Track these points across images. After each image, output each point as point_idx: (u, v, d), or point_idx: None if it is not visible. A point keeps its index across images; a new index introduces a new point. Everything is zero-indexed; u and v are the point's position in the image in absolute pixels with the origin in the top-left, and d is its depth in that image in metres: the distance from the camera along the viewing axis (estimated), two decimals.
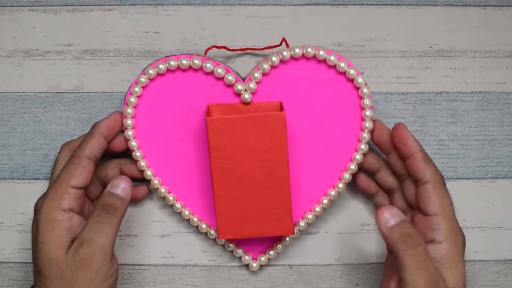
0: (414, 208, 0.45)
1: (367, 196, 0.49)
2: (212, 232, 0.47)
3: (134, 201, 0.49)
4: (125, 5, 0.50)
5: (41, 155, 0.49)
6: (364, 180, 0.47)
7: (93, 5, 0.50)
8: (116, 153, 0.47)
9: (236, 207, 0.44)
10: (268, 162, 0.43)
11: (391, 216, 0.41)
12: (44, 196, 0.43)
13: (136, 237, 0.49)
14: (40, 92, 0.49)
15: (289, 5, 0.50)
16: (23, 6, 0.50)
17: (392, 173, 0.47)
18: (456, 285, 0.41)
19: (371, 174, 0.47)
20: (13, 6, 0.50)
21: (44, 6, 0.50)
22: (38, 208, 0.43)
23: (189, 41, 0.49)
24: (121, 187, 0.43)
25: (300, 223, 0.47)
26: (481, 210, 0.50)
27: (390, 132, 0.45)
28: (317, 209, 0.47)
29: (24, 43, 0.49)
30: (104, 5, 0.50)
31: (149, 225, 0.49)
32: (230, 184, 0.44)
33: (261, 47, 0.47)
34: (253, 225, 0.45)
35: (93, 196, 0.47)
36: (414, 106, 0.50)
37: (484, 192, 0.50)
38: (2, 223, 0.49)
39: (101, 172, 0.47)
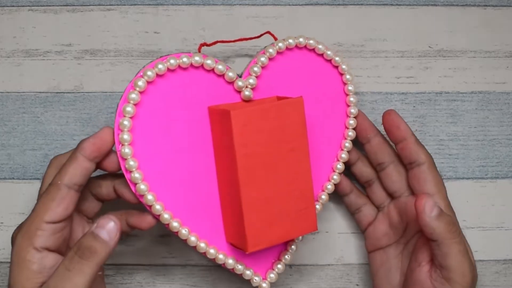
0: (396, 197, 0.45)
1: (339, 195, 0.48)
2: (221, 256, 0.42)
3: (139, 229, 0.42)
4: (125, 5, 0.50)
5: (41, 155, 0.49)
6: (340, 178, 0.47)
7: (93, 5, 0.50)
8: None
9: (264, 211, 0.41)
10: (291, 153, 0.41)
11: (434, 205, 0.40)
12: (19, 227, 0.38)
13: (136, 237, 0.49)
14: (40, 92, 0.49)
15: (289, 5, 0.50)
16: (23, 6, 0.50)
17: (369, 164, 0.47)
18: (472, 259, 0.43)
19: (347, 167, 0.47)
20: (13, 6, 0.50)
21: (44, 6, 0.50)
22: (12, 242, 0.38)
23: (189, 41, 0.49)
24: (107, 228, 0.37)
25: None
26: (481, 210, 0.50)
27: (371, 122, 0.46)
28: (317, 206, 0.45)
29: (24, 43, 0.49)
30: (104, 5, 0.50)
31: None
32: (258, 185, 0.40)
33: (233, 40, 0.45)
34: (279, 229, 0.41)
35: (90, 215, 0.43)
36: (414, 106, 0.50)
37: (484, 192, 0.50)
38: (2, 223, 0.49)
39: (95, 189, 0.42)
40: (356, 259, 0.49)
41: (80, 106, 0.49)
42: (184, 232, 0.41)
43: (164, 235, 0.49)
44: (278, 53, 0.44)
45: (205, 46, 0.44)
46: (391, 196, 0.46)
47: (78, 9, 0.50)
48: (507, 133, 0.50)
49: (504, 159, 0.50)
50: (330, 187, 0.46)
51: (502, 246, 0.49)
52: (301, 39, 0.44)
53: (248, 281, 0.44)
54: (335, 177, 0.46)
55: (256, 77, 0.43)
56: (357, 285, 0.49)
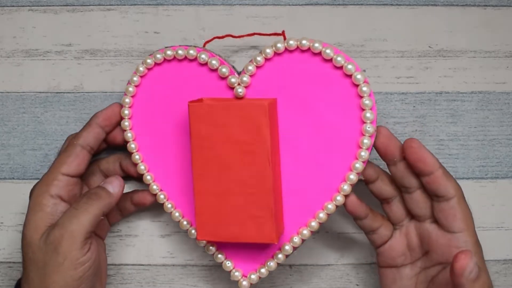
0: (419, 221, 0.43)
1: (353, 218, 0.44)
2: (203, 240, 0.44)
3: (142, 206, 0.47)
4: (125, 5, 0.50)
5: (41, 155, 0.49)
6: (353, 204, 0.43)
7: (93, 5, 0.50)
8: (120, 147, 0.47)
9: (216, 205, 0.42)
10: (249, 155, 0.40)
11: (473, 266, 0.38)
12: (38, 182, 0.44)
13: (136, 237, 0.49)
14: (40, 92, 0.49)
15: (289, 5, 0.50)
16: (23, 6, 0.50)
17: (390, 182, 0.44)
18: None
19: (365, 183, 0.45)
20: (13, 6, 0.50)
21: (44, 6, 0.50)
22: (30, 194, 0.43)
23: (189, 41, 0.49)
24: (112, 184, 0.43)
25: (294, 239, 0.43)
26: (481, 210, 0.50)
27: (399, 142, 0.42)
28: (313, 224, 0.43)
29: (24, 43, 0.49)
30: (104, 5, 0.50)
31: (149, 225, 0.49)
32: (211, 178, 0.41)
33: (267, 33, 0.45)
34: (233, 228, 0.42)
35: None
36: (414, 106, 0.50)
37: (484, 192, 0.50)
38: (2, 223, 0.49)
39: (103, 165, 0.47)
40: (356, 259, 0.49)
41: (80, 106, 0.49)
42: (168, 205, 0.45)
43: (164, 235, 0.49)
44: (276, 54, 0.43)
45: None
46: (412, 217, 0.44)
47: (78, 9, 0.50)
48: (507, 133, 0.50)
49: (504, 159, 0.50)
50: (331, 207, 0.42)
51: (502, 246, 0.49)
52: (304, 41, 0.42)
53: None
54: (338, 198, 0.42)
55: (251, 76, 0.43)
56: (357, 285, 0.49)
